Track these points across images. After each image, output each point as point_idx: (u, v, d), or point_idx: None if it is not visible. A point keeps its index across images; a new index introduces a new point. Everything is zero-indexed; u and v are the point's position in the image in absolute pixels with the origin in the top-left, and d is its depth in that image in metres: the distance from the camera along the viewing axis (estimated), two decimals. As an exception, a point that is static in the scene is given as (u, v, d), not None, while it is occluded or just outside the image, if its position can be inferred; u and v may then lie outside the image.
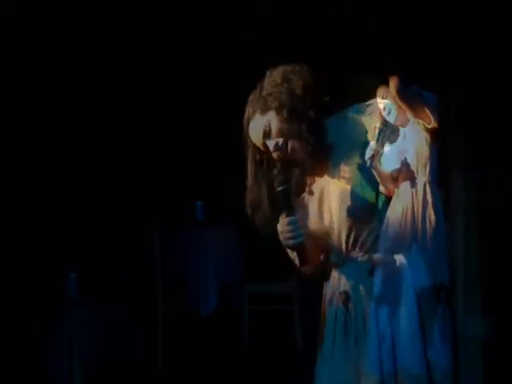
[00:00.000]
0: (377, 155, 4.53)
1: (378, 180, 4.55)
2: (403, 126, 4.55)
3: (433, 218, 4.40)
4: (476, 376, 4.49)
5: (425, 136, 4.18)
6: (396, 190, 4.51)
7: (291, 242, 2.52)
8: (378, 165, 4.52)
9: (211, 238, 5.82)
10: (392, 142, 4.65)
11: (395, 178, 4.61)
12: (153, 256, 5.33)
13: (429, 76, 5.03)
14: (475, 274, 4.57)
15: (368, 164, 4.47)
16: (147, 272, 5.38)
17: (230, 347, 5.63)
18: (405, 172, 4.54)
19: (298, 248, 2.56)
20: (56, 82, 5.73)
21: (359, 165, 2.60)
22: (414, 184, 4.46)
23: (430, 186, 4.47)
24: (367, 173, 2.66)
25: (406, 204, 4.45)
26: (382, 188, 4.63)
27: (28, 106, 5.63)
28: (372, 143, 4.55)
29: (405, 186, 4.53)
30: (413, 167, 4.41)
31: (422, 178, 4.44)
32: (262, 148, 2.57)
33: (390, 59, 5.45)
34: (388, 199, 2.69)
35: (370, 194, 2.64)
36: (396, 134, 4.61)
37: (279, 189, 2.54)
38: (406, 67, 5.20)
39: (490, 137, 5.01)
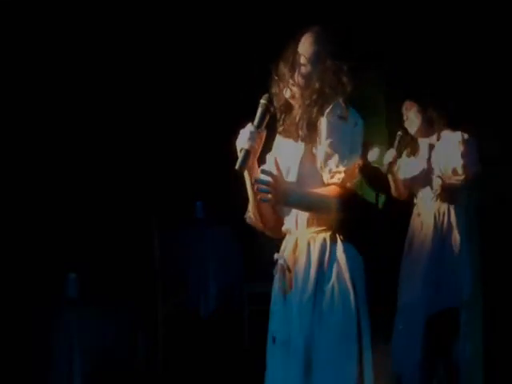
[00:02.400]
0: (395, 162, 4.73)
1: (392, 184, 4.73)
2: (425, 137, 4.69)
3: (457, 238, 4.48)
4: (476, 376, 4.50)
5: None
6: (416, 200, 4.63)
7: (241, 144, 2.64)
8: (396, 171, 4.71)
9: (211, 238, 5.82)
10: (412, 151, 4.77)
11: (407, 185, 4.77)
12: (153, 256, 5.32)
13: (431, 76, 5.04)
14: (477, 274, 4.57)
15: (386, 169, 4.66)
16: (147, 272, 5.38)
17: (230, 347, 5.63)
18: (420, 182, 4.64)
19: (245, 153, 2.64)
20: (56, 81, 5.73)
21: (360, 165, 2.60)
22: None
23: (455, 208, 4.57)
24: (368, 174, 2.67)
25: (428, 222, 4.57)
26: (393, 192, 4.77)
27: (27, 105, 5.63)
28: (391, 150, 4.74)
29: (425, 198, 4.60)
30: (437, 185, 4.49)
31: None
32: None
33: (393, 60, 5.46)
34: (389, 200, 2.70)
35: (370, 195, 2.65)
36: (417, 144, 4.74)
37: (262, 101, 2.66)
38: (407, 65, 5.23)
39: (489, 137, 5.02)
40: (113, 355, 4.46)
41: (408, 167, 4.70)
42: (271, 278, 5.72)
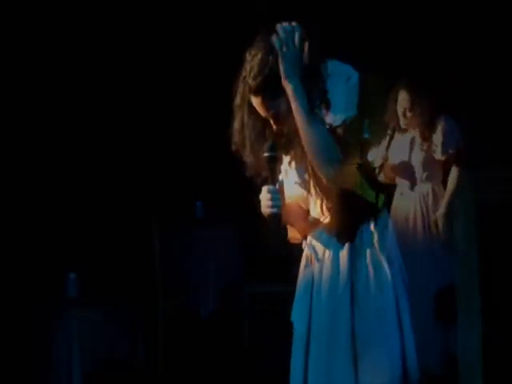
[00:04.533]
0: (385, 162, 4.80)
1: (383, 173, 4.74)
2: (414, 128, 4.78)
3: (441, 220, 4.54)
4: (475, 377, 4.49)
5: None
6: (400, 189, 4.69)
7: (268, 210, 2.50)
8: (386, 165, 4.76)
9: (211, 238, 5.81)
10: (398, 143, 4.84)
11: (394, 171, 4.82)
12: (153, 256, 5.32)
13: (431, 76, 5.04)
14: (475, 274, 4.57)
15: (377, 171, 4.67)
16: (147, 272, 5.37)
17: (230, 347, 5.63)
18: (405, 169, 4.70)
19: (275, 217, 2.51)
20: (56, 82, 5.73)
21: (359, 164, 2.58)
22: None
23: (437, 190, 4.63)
24: (367, 173, 2.64)
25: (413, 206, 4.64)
26: (381, 177, 4.82)
27: (28, 105, 5.63)
28: (382, 151, 4.76)
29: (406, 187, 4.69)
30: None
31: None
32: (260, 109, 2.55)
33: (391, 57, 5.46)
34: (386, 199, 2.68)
35: (370, 195, 2.62)
36: (404, 136, 4.82)
37: (266, 155, 2.51)
38: (408, 66, 5.23)
39: (489, 136, 5.03)
40: (113, 355, 4.46)
41: (394, 154, 4.79)
42: (271, 277, 5.74)
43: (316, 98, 2.47)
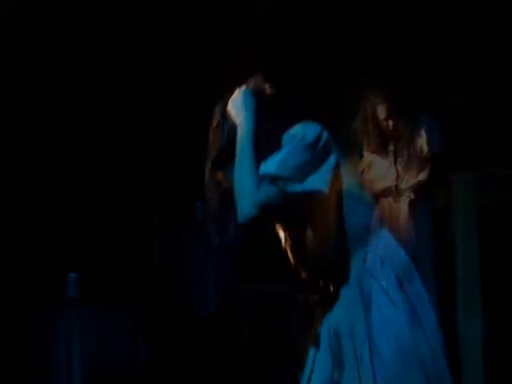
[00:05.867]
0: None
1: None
2: (399, 140, 4.79)
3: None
4: (476, 376, 4.50)
5: None
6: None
7: None
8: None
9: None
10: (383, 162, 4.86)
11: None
12: (153, 256, 5.33)
13: (430, 77, 5.05)
14: (475, 274, 4.58)
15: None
16: (147, 272, 5.38)
17: (230, 347, 5.63)
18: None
19: None
20: (55, 82, 5.74)
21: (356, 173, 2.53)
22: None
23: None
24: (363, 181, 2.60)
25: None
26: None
27: (28, 105, 5.63)
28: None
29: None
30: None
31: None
32: None
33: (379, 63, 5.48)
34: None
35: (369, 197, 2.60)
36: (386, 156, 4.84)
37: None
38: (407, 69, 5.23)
39: (490, 137, 5.04)
40: (113, 355, 4.47)
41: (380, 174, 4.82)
42: (271, 278, 5.74)
43: (266, 139, 2.33)
